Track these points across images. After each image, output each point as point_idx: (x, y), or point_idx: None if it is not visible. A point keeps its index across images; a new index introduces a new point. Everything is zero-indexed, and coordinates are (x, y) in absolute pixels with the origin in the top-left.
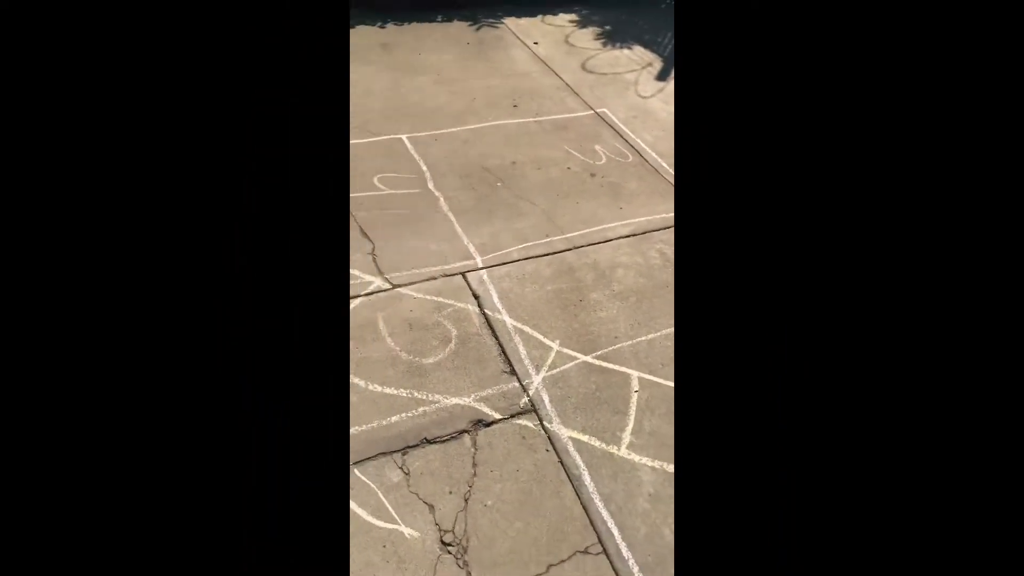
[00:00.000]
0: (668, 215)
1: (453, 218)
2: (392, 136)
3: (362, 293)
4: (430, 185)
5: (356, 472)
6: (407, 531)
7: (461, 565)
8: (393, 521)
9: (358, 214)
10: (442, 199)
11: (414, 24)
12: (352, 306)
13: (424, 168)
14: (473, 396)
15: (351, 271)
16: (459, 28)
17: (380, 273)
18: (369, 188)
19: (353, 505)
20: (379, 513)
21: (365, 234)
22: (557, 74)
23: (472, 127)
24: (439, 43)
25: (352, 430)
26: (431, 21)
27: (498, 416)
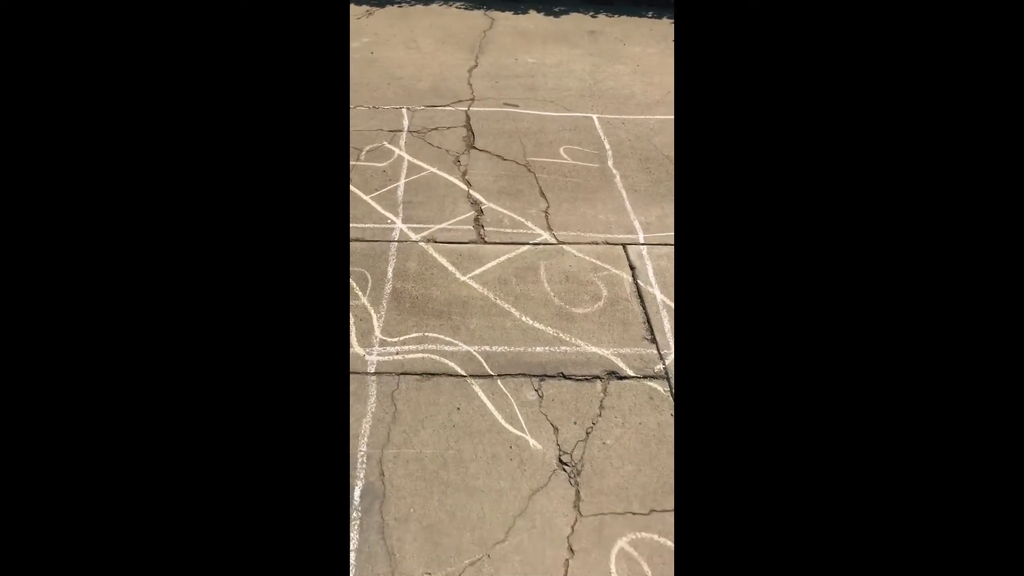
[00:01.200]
0: None
1: (625, 195)
2: (583, 114)
3: (530, 242)
4: (610, 163)
5: (499, 383)
6: (532, 441)
7: (572, 483)
8: (522, 430)
9: (540, 176)
10: (619, 177)
11: (624, 17)
12: (519, 251)
13: (607, 147)
14: (612, 350)
15: (523, 221)
16: (667, 25)
17: (549, 229)
18: (554, 156)
19: (491, 408)
20: (512, 421)
21: (543, 194)
22: None
23: (661, 118)
24: (644, 36)
25: (500, 348)
26: (641, 16)
27: (632, 373)
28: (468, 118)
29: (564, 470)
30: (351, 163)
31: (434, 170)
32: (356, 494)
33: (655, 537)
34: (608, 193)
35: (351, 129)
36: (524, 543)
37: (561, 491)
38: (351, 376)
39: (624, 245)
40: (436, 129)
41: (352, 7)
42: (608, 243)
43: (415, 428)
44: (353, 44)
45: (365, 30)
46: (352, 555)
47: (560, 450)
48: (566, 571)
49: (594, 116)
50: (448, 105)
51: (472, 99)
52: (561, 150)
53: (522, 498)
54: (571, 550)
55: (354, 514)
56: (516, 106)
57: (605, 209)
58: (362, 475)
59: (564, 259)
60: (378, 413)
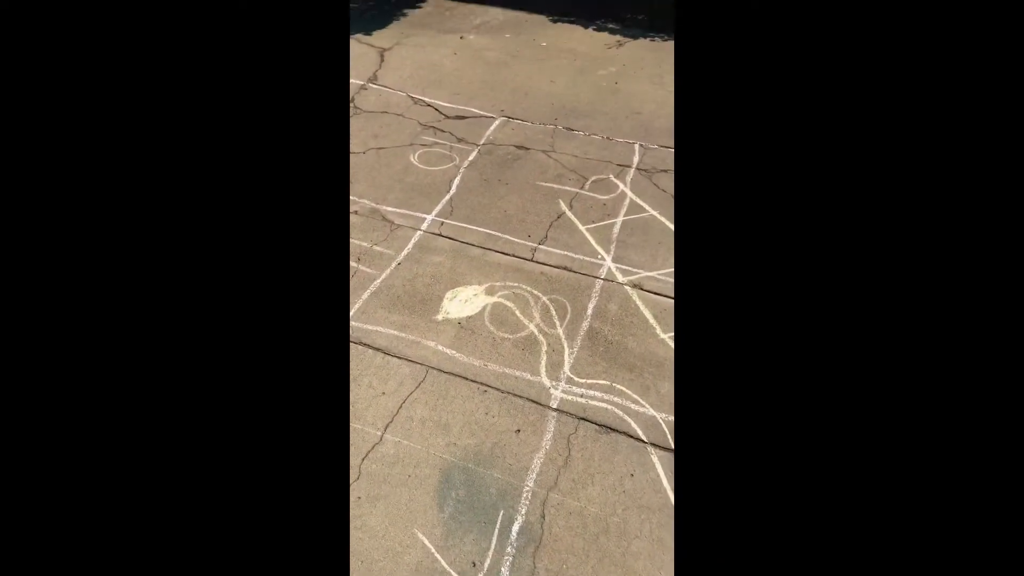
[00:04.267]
0: None
1: None
2: None
3: None
4: None
5: None
6: None
7: None
8: None
9: None
10: None
11: None
12: None
13: None
14: None
15: None
16: None
17: None
18: None
19: (666, 484)
20: None
21: None
22: None
23: None
24: None
25: None
26: None
27: None
28: None
29: None
30: (576, 190)
31: (654, 213)
32: (515, 529)
33: None
34: None
35: (582, 157)
36: None
37: None
38: (534, 405)
39: None
40: (666, 171)
41: (605, 36)
42: None
43: (584, 481)
44: (599, 72)
45: (614, 60)
46: None
47: None
48: None
49: None
50: None
51: None
52: None
53: None
54: None
55: (508, 548)
56: None
57: None
58: (523, 512)
59: None
60: (551, 453)
